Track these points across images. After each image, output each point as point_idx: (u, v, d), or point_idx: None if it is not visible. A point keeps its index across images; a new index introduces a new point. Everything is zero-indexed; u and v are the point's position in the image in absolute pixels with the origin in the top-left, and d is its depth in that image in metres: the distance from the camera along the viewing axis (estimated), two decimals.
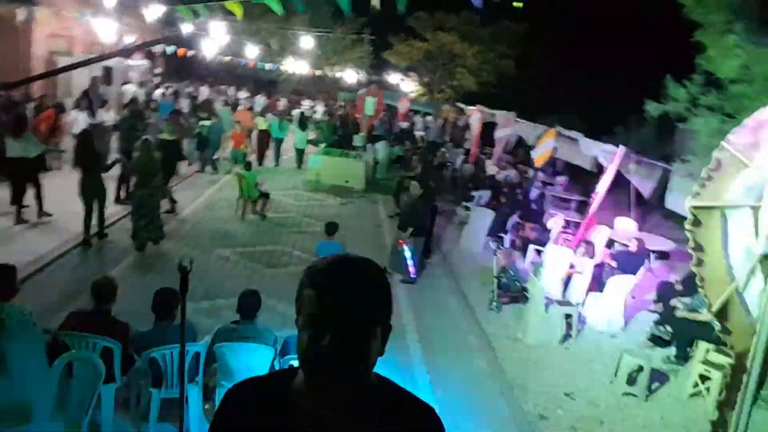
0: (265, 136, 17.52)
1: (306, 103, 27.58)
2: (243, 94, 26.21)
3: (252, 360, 4.34)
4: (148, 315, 4.67)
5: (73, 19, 19.14)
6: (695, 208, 3.69)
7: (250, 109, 20.29)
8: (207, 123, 15.90)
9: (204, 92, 24.34)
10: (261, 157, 17.39)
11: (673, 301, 8.16)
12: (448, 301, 8.64)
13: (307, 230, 11.20)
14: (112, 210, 9.65)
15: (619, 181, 11.45)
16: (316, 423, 1.28)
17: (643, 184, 10.34)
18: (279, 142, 17.68)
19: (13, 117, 9.79)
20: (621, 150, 9.49)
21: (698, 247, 3.73)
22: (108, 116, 14.11)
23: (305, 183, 15.61)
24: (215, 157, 15.75)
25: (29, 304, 4.55)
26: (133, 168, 8.77)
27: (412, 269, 8.99)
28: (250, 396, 1.38)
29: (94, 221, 8.77)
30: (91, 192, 8.53)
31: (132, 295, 6.11)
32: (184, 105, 19.30)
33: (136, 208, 8.62)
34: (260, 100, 24.72)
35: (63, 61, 18.26)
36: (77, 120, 13.11)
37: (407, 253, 8.95)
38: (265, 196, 11.72)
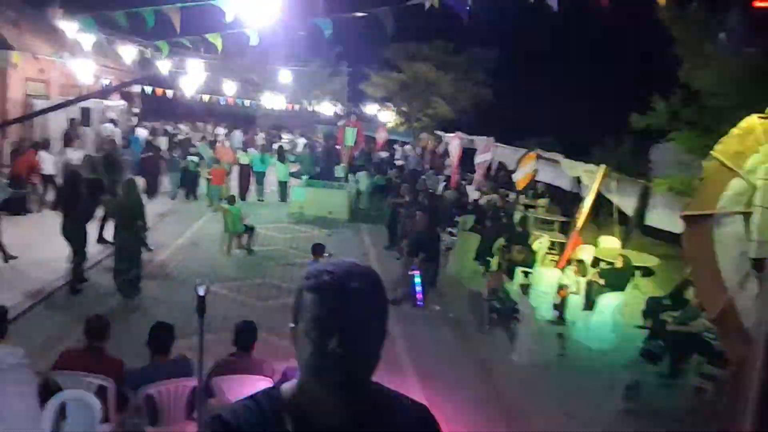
0: (246, 171, 17.56)
1: (285, 137, 27.72)
2: (221, 130, 26.29)
3: (250, 392, 4.25)
4: (138, 354, 4.61)
5: (49, 63, 19.12)
6: (687, 217, 3.76)
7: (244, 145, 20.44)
8: (195, 159, 16.07)
9: (183, 129, 24.40)
10: (244, 192, 17.34)
11: (663, 316, 8.24)
12: (440, 326, 8.60)
13: (294, 262, 11.13)
14: (95, 250, 9.50)
15: (600, 201, 11.62)
16: (317, 428, 1.27)
17: (624, 201, 10.52)
18: (261, 175, 17.79)
19: None
20: (602, 169, 9.65)
21: (692, 256, 3.79)
22: (76, 155, 14.00)
23: (289, 215, 15.58)
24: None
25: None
26: (114, 209, 8.43)
27: (419, 296, 9.05)
28: (239, 416, 1.31)
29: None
30: (73, 234, 8.27)
31: (120, 334, 5.99)
32: (163, 142, 19.35)
33: (117, 251, 8.32)
34: (238, 135, 24.80)
35: (40, 104, 18.19)
36: (45, 160, 13.05)
37: (417, 279, 9.02)
38: (251, 229, 11.66)
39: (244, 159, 17.75)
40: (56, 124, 17.65)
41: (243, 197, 16.92)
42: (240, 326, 4.65)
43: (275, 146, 21.96)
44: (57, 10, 21.37)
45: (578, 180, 13.24)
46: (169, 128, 24.23)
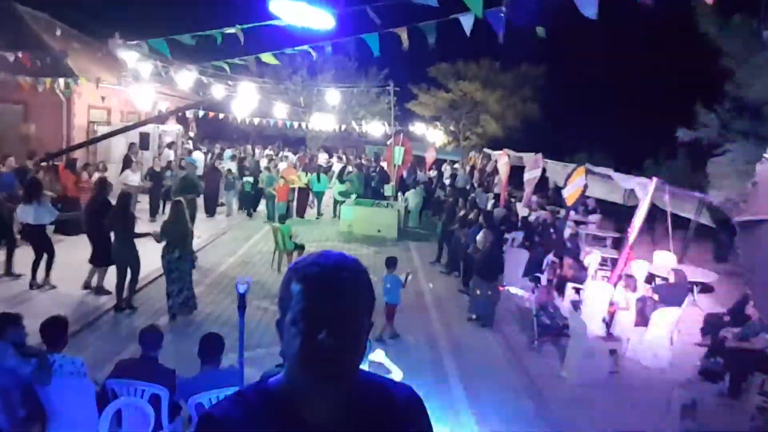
0: (305, 191, 18.39)
1: (333, 159, 28.21)
2: (268, 152, 26.95)
3: None
4: (190, 366, 4.74)
5: (110, 90, 20.08)
6: (741, 223, 3.63)
7: (295, 166, 21.04)
8: (250, 179, 16.83)
9: (228, 152, 25.23)
10: (302, 211, 18.22)
11: (723, 332, 7.93)
12: (488, 341, 8.52)
13: None
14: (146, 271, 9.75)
15: (656, 215, 11.34)
16: (307, 422, 1.27)
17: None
18: (320, 195, 18.61)
19: (28, 183, 9.62)
20: (654, 181, 9.42)
21: (748, 264, 3.66)
22: (135, 178, 14.61)
23: (339, 234, 15.78)
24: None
25: None
26: (162, 230, 8.35)
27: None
28: (227, 412, 1.30)
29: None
30: (123, 257, 8.40)
31: (171, 348, 6.17)
32: (233, 166, 20.22)
33: (167, 273, 8.33)
34: (291, 157, 25.40)
35: (101, 130, 19.09)
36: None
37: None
38: (300, 247, 11.84)
39: (303, 180, 18.44)
40: (117, 148, 18.50)
41: (301, 216, 17.95)
42: None
43: (335, 167, 22.73)
44: (117, 40, 22.52)
45: (631, 194, 12.98)
46: (232, 151, 25.12)
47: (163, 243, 8.28)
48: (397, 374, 4.58)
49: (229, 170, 18.61)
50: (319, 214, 18.63)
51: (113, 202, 8.81)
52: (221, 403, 1.34)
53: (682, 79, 19.61)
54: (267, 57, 8.76)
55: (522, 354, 8.05)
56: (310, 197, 18.84)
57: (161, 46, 8.71)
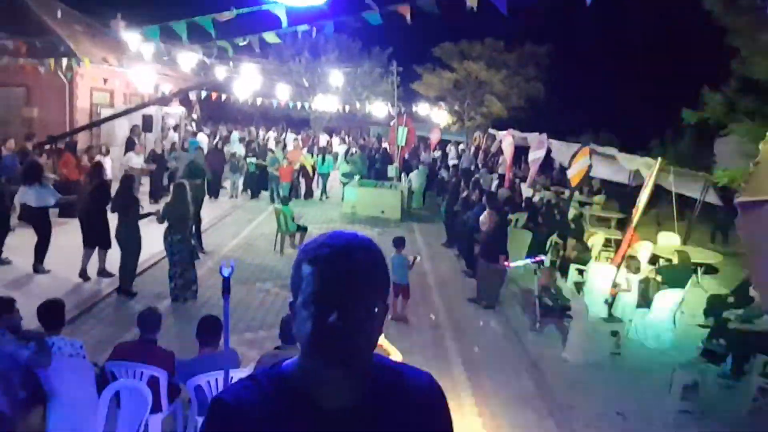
0: (310, 172, 18.48)
1: (335, 139, 28.15)
2: (272, 134, 26.88)
3: None
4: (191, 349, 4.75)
5: (112, 72, 20.02)
6: (742, 204, 3.57)
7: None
8: (254, 160, 16.93)
9: (235, 134, 25.19)
10: (309, 193, 18.32)
11: (726, 314, 7.90)
12: (490, 322, 8.51)
13: None
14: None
15: (661, 196, 11.25)
16: (320, 407, 1.23)
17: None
18: (325, 177, 18.63)
19: (29, 165, 9.57)
20: (659, 162, 9.31)
21: (749, 246, 3.61)
22: (138, 160, 14.60)
23: (342, 215, 15.77)
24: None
25: None
26: (164, 212, 8.32)
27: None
28: (239, 396, 1.27)
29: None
30: (128, 238, 8.36)
31: (172, 330, 6.19)
32: (239, 148, 20.28)
33: (169, 255, 8.33)
34: (290, 138, 25.37)
35: (105, 113, 19.07)
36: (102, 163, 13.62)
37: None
38: (303, 229, 11.85)
39: (309, 161, 18.39)
40: (120, 131, 18.47)
41: (307, 197, 18.16)
42: (286, 320, 4.74)
43: (339, 148, 22.75)
44: (119, 22, 22.42)
45: (636, 175, 12.89)
46: (239, 133, 25.12)
47: (165, 225, 8.28)
48: (396, 357, 4.57)
49: (233, 153, 18.68)
50: (325, 195, 18.65)
51: (113, 185, 8.79)
52: (233, 387, 1.32)
53: (688, 58, 19.39)
54: (270, 36, 8.65)
55: (524, 335, 8.05)
56: (316, 178, 18.88)
57: (154, 34, 8.65)
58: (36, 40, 13.76)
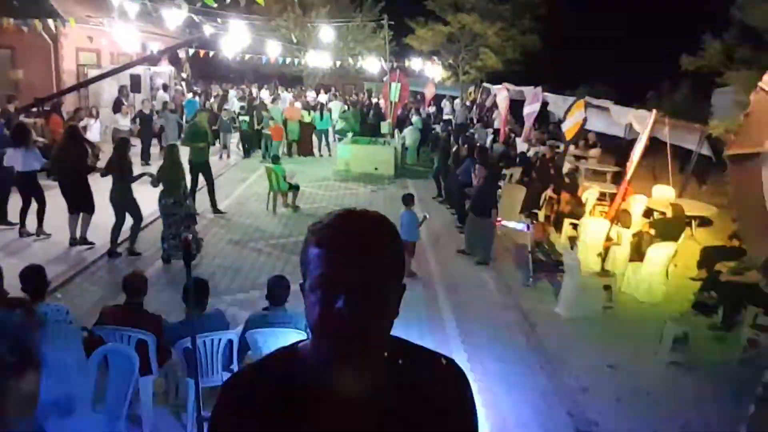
0: (309, 129, 18.34)
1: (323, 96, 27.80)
2: (265, 92, 26.49)
3: (284, 344, 4.33)
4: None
5: (98, 32, 19.56)
6: (732, 156, 3.50)
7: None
8: (246, 119, 16.87)
9: (232, 93, 24.79)
10: (307, 150, 18.26)
11: (718, 266, 7.91)
12: (483, 279, 8.53)
13: None
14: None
15: (657, 148, 11.14)
16: (332, 394, 1.18)
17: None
18: (323, 133, 18.57)
19: (15, 128, 9.41)
20: (653, 114, 9.20)
21: (738, 198, 3.55)
22: (125, 122, 14.37)
23: (335, 173, 15.67)
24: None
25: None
26: (158, 175, 8.31)
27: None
28: (251, 380, 1.26)
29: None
30: (121, 203, 8.33)
31: (161, 293, 6.18)
32: (236, 105, 20.04)
33: (163, 218, 8.33)
34: (285, 96, 25.01)
35: (92, 73, 18.71)
36: (91, 127, 13.41)
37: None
38: (295, 188, 11.77)
39: (306, 118, 18.26)
40: (108, 92, 18.17)
41: (306, 154, 18.21)
42: (272, 281, 4.71)
43: (334, 104, 22.50)
44: None
45: (632, 128, 12.75)
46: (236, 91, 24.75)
47: (160, 188, 8.23)
48: None
49: (235, 111, 18.48)
50: (328, 152, 18.60)
51: (105, 147, 8.65)
52: (244, 370, 1.30)
53: (685, 6, 18.97)
54: None
55: (516, 291, 8.08)
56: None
57: None
58: None
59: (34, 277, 4.43)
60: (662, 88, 18.98)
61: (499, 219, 9.01)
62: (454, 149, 12.99)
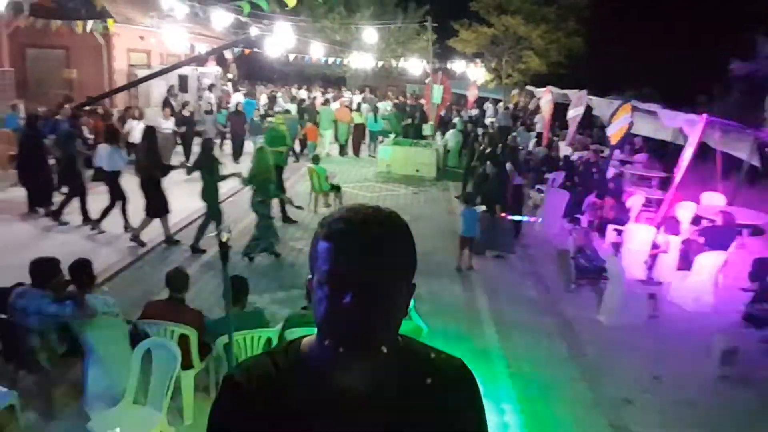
0: (360, 130, 18.44)
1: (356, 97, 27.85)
2: (303, 93, 26.69)
3: None
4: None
5: (148, 33, 20.07)
6: None
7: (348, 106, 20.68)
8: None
9: (297, 93, 25.03)
10: (357, 150, 18.41)
11: None
12: (524, 283, 8.42)
13: None
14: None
15: (707, 154, 10.82)
16: (337, 391, 1.16)
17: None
18: (375, 135, 18.65)
19: (106, 129, 9.94)
20: (703, 118, 8.92)
21: None
22: (167, 124, 14.58)
23: (377, 174, 15.70)
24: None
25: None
26: (248, 176, 8.58)
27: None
28: (252, 376, 1.22)
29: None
30: (206, 200, 8.59)
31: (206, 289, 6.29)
32: (293, 108, 20.17)
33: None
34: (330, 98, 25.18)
35: (141, 73, 19.22)
36: (134, 129, 13.69)
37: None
38: (337, 188, 11.83)
39: (358, 119, 18.32)
40: (157, 91, 18.61)
41: (357, 154, 18.43)
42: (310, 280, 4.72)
43: (381, 105, 22.42)
44: None
45: (680, 132, 12.40)
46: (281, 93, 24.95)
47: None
48: (409, 324, 4.49)
49: (287, 111, 18.60)
50: (373, 153, 18.45)
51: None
52: (246, 364, 1.27)
53: (737, 8, 18.28)
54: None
55: (558, 297, 7.94)
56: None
57: None
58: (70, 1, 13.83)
59: (82, 269, 4.57)
60: (713, 91, 18.41)
61: (504, 213, 9.32)
62: (481, 149, 12.92)
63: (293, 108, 19.10)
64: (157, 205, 8.72)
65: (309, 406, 1.16)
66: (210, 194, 8.56)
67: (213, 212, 8.66)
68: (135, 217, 9.08)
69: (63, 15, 15.04)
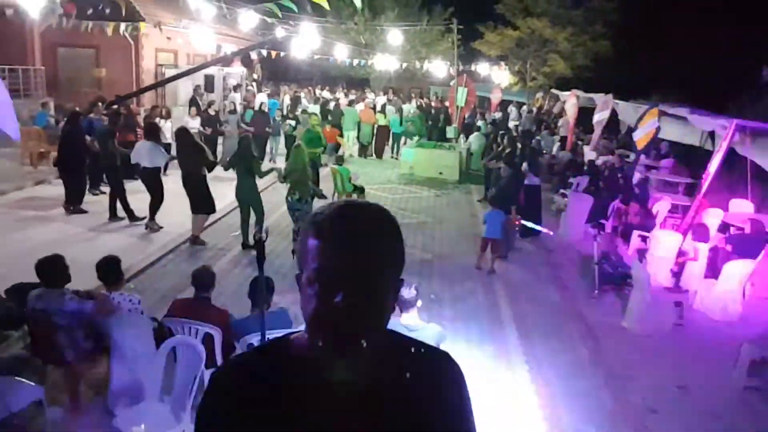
0: (384, 132, 18.38)
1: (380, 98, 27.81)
2: (326, 94, 26.72)
3: None
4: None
5: (176, 33, 20.33)
6: None
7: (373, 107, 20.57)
8: (292, 123, 16.82)
9: (321, 94, 25.09)
10: (380, 152, 18.34)
11: None
12: (546, 289, 8.34)
13: (401, 222, 11.09)
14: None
15: (736, 160, 10.60)
16: (326, 388, 1.16)
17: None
18: (398, 137, 18.60)
19: (146, 126, 10.19)
20: (734, 123, 8.75)
21: None
22: (194, 124, 14.71)
23: (400, 176, 15.69)
24: None
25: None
26: (285, 173, 8.74)
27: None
28: (239, 373, 1.22)
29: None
30: (246, 197, 8.74)
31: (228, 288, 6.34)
32: (315, 108, 20.16)
33: (291, 213, 8.71)
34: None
35: (169, 73, 19.46)
36: (163, 127, 13.81)
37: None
38: (360, 190, 11.86)
39: (382, 120, 18.27)
40: (184, 91, 18.84)
41: (379, 156, 18.37)
42: None
43: (406, 107, 22.35)
44: None
45: (710, 137, 12.21)
46: (305, 93, 25.01)
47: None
48: (431, 330, 4.43)
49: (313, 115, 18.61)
50: (396, 155, 18.38)
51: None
52: (235, 360, 1.26)
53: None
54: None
55: (581, 303, 7.85)
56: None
57: None
58: (100, 1, 14.07)
59: (108, 267, 4.63)
60: (743, 97, 18.06)
61: (518, 218, 9.42)
62: (499, 149, 12.88)
63: (316, 109, 19.12)
64: (206, 203, 8.87)
65: (298, 402, 1.16)
66: (249, 191, 8.68)
67: (257, 209, 8.80)
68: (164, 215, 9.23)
69: (95, 16, 15.28)
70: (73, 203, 9.99)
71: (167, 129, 14.27)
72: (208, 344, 4.38)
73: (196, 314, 4.47)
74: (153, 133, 9.52)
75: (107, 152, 9.92)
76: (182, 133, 8.91)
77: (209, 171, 8.87)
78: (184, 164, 8.82)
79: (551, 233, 9.52)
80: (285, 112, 19.02)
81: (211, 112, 15.63)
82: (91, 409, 4.62)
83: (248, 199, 8.78)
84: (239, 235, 9.06)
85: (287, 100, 21.79)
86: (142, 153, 9.23)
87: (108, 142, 9.95)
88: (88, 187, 10.62)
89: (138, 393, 4.33)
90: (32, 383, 4.30)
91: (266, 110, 16.97)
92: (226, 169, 8.95)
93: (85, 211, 9.94)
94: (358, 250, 1.11)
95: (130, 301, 4.50)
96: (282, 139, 16.69)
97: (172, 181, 9.66)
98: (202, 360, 3.98)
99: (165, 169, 10.25)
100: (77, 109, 11.85)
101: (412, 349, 1.29)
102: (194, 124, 14.73)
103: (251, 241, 8.66)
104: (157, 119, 14.17)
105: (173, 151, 9.71)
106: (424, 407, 1.22)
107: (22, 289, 4.74)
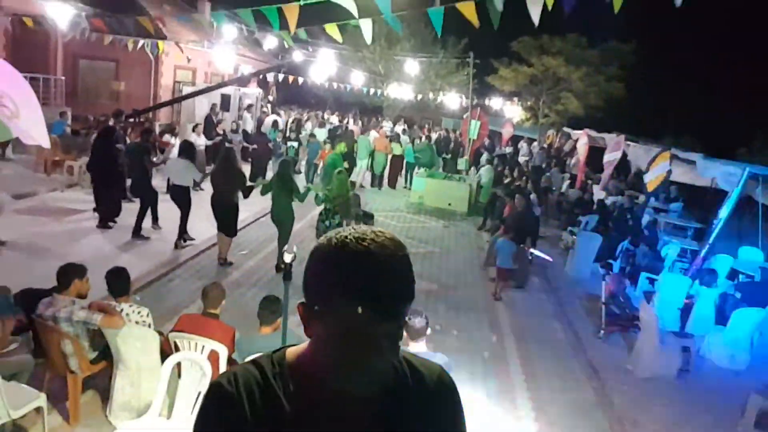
0: (398, 161, 18.16)
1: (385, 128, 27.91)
2: (334, 119, 26.80)
3: None
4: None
5: (195, 52, 20.64)
6: None
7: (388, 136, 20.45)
8: (294, 144, 16.86)
9: (328, 119, 25.22)
10: (393, 182, 18.01)
11: None
12: (552, 327, 8.27)
13: (409, 251, 11.14)
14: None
15: (745, 205, 10.61)
16: (326, 398, 1.18)
17: None
18: (412, 167, 18.27)
19: (182, 144, 10.06)
20: (746, 171, 8.78)
21: None
22: (200, 141, 14.75)
23: (409, 205, 15.71)
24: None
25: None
26: (325, 197, 8.88)
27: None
28: (239, 382, 1.22)
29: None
30: (282, 217, 8.71)
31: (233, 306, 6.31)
32: (321, 133, 20.19)
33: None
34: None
35: (186, 90, 19.72)
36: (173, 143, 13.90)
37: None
38: (369, 216, 11.85)
39: (397, 150, 18.15)
40: (201, 108, 19.04)
41: (393, 186, 18.03)
42: None
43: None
44: (206, 3, 23.07)
45: (718, 183, 12.22)
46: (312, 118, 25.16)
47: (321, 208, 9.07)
48: (439, 360, 4.40)
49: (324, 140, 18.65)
50: (409, 185, 18.04)
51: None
52: (234, 372, 1.26)
53: None
54: (331, 29, 8.41)
55: (587, 342, 7.77)
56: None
57: (248, 17, 8.63)
58: (125, 17, 14.29)
59: (118, 277, 4.64)
60: (754, 143, 18.14)
61: (530, 247, 9.74)
62: (507, 180, 13.00)
63: (322, 133, 19.20)
64: (233, 227, 8.83)
65: (296, 412, 1.18)
66: (286, 213, 8.66)
67: (288, 230, 8.75)
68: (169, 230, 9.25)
69: (120, 31, 15.52)
70: (105, 220, 9.92)
71: (176, 147, 14.33)
72: (213, 361, 4.35)
73: (202, 330, 4.44)
74: (188, 151, 9.36)
75: (140, 167, 9.87)
76: (228, 155, 8.83)
77: (245, 197, 8.83)
78: (221, 186, 8.68)
79: (551, 259, 9.68)
80: (287, 134, 19.06)
81: (219, 130, 15.76)
82: (90, 419, 4.59)
83: (285, 221, 8.73)
84: (247, 254, 9.07)
85: (285, 123, 21.78)
86: (173, 170, 9.27)
87: (140, 156, 9.88)
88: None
89: (139, 406, 4.30)
90: (34, 389, 4.28)
91: (264, 131, 17.05)
92: (263, 194, 8.87)
93: (139, 230, 9.85)
94: (385, 271, 1.16)
95: (138, 314, 4.49)
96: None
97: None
98: (208, 377, 3.95)
99: (197, 185, 10.20)
100: (111, 123, 11.93)
101: (408, 361, 1.34)
102: (200, 141, 14.83)
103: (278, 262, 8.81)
104: (166, 136, 14.32)
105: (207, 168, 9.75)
106: (420, 416, 1.28)
107: (30, 295, 4.74)
